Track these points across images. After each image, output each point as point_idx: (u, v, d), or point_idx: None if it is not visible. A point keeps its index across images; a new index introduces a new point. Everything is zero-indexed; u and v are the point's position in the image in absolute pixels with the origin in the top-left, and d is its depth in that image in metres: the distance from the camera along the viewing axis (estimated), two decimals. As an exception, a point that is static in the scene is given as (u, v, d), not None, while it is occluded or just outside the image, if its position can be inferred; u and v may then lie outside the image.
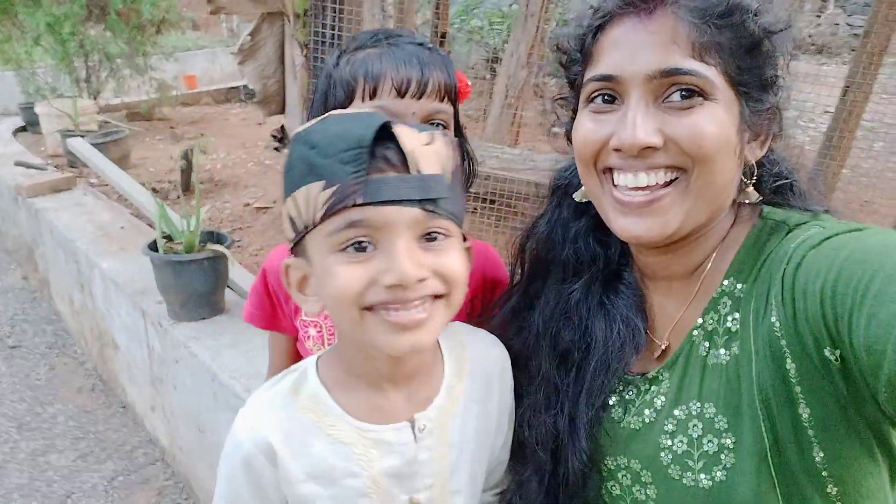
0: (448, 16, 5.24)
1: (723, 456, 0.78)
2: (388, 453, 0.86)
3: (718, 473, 0.78)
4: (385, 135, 0.75)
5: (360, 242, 0.76)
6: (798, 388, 0.71)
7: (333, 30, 3.03)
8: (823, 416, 0.71)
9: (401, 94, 1.03)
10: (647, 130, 0.77)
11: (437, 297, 0.80)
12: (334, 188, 0.74)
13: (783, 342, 0.72)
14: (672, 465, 0.82)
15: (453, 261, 0.81)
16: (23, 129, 7.47)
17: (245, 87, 8.53)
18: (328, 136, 0.76)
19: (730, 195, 0.82)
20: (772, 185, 0.88)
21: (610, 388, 0.91)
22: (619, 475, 0.88)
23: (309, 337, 1.20)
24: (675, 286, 0.89)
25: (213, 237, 2.87)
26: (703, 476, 0.79)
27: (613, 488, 0.89)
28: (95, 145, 5.65)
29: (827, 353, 0.67)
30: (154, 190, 5.12)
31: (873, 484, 0.73)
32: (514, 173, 3.61)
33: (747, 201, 0.85)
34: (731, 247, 0.84)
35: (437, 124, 1.08)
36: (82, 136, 5.83)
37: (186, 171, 5.32)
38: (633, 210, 0.81)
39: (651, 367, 0.89)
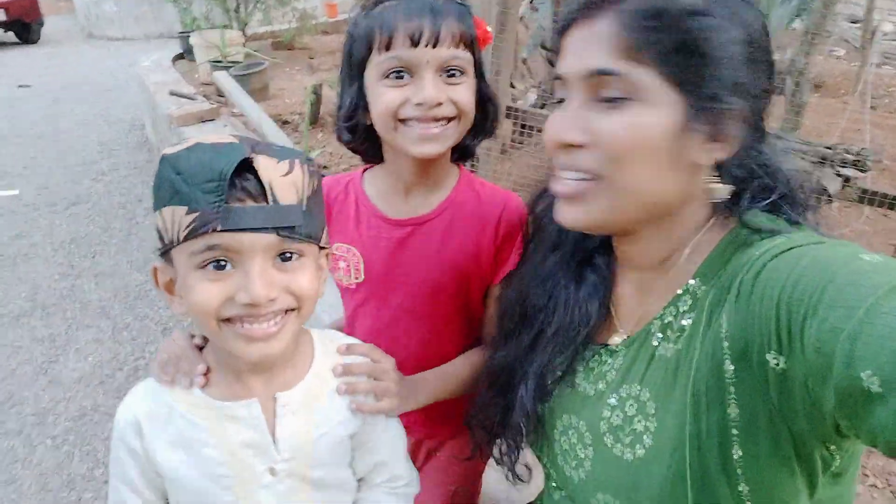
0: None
1: (645, 437, 0.85)
2: (242, 427, 0.96)
3: (639, 451, 0.86)
4: (246, 166, 0.82)
5: (218, 261, 0.84)
6: (732, 389, 0.75)
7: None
8: (749, 418, 0.75)
9: (414, 43, 1.08)
10: (571, 128, 0.83)
11: (288, 310, 0.90)
12: (196, 214, 0.81)
13: (725, 343, 0.76)
14: (607, 434, 0.91)
15: (304, 279, 0.90)
16: (180, 56, 8.19)
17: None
18: (192, 164, 0.82)
19: (665, 194, 0.85)
20: (758, 197, 0.87)
21: (567, 358, 1.00)
22: (570, 432, 0.98)
23: (339, 269, 1.32)
24: (645, 277, 0.95)
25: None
26: (627, 450, 0.87)
27: (564, 442, 0.99)
28: (239, 77, 6.13)
29: (769, 356, 0.70)
30: (285, 122, 5.50)
31: (787, 492, 0.77)
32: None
33: (717, 199, 0.87)
34: (705, 248, 0.87)
35: (454, 72, 1.12)
36: (228, 68, 6.33)
37: (315, 105, 5.65)
38: (562, 199, 0.89)
39: (613, 340, 0.97)
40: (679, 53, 0.78)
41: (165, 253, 0.89)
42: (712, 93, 0.79)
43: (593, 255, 1.03)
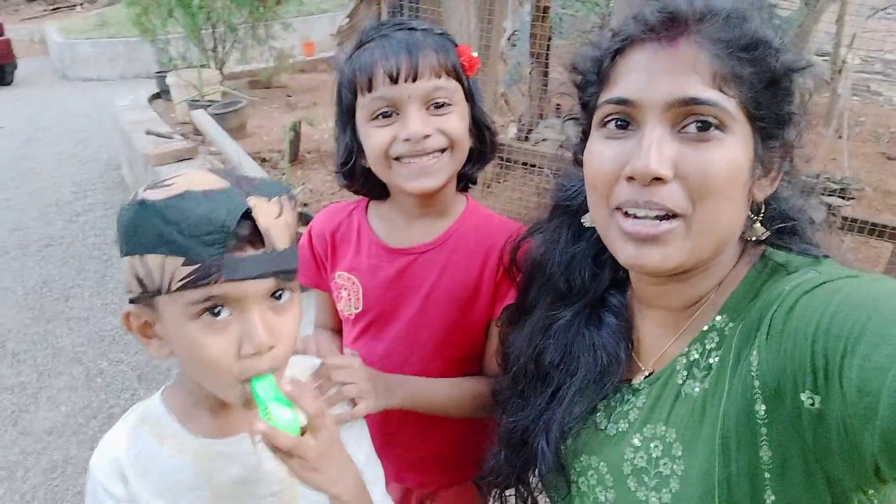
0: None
1: (671, 481, 0.81)
2: (229, 462, 0.94)
3: (665, 496, 0.81)
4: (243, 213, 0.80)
5: (213, 308, 0.81)
6: (764, 430, 0.72)
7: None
8: (782, 461, 0.71)
9: (393, 80, 1.08)
10: (661, 160, 0.76)
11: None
12: (196, 266, 0.78)
13: (756, 383, 0.72)
14: (630, 477, 0.86)
15: (292, 323, 0.89)
16: (157, 95, 8.14)
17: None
18: (188, 215, 0.78)
19: (735, 232, 0.82)
20: (776, 226, 0.86)
21: (591, 405, 0.95)
22: (589, 473, 0.93)
23: (341, 298, 1.29)
24: (671, 317, 0.90)
25: (302, 218, 3.07)
26: (652, 494, 0.83)
27: (583, 484, 0.94)
28: (216, 115, 6.09)
29: (804, 397, 0.67)
30: (263, 160, 5.46)
31: None
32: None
33: (754, 237, 0.84)
34: (731, 284, 0.85)
35: (440, 103, 1.11)
36: (206, 107, 6.30)
37: (294, 142, 5.63)
38: (637, 240, 0.80)
39: (637, 379, 0.93)
40: (762, 88, 0.76)
41: (143, 297, 0.84)
42: (778, 128, 0.79)
43: (605, 295, 0.99)
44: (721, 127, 0.76)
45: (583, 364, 0.96)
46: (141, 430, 0.94)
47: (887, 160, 5.79)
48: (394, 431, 1.27)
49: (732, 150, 0.76)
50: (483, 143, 1.22)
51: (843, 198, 3.00)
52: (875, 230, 3.28)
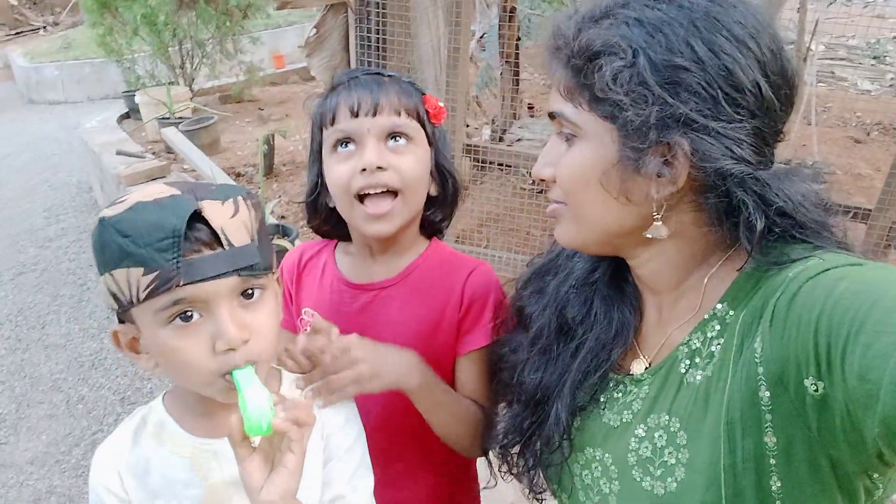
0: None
1: (677, 469, 0.82)
2: (224, 462, 0.95)
3: (671, 485, 0.82)
4: (194, 215, 0.82)
5: (185, 313, 0.83)
6: (769, 416, 0.73)
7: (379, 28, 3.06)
8: (787, 446, 0.72)
9: (354, 114, 1.12)
10: (541, 165, 0.91)
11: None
12: (154, 273, 0.80)
13: (760, 369, 0.73)
14: (636, 467, 0.87)
15: (266, 318, 0.90)
16: (126, 115, 8.03)
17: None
18: (139, 225, 0.81)
19: (618, 226, 0.87)
20: (779, 226, 0.80)
21: (601, 375, 0.97)
22: (593, 466, 0.95)
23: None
24: (664, 301, 0.93)
25: (280, 230, 3.04)
26: (658, 483, 0.84)
27: (586, 476, 0.96)
28: (188, 132, 6.03)
29: (807, 383, 0.68)
30: (238, 174, 5.40)
31: None
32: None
33: (651, 235, 0.85)
34: (729, 272, 0.85)
35: (397, 136, 1.13)
36: (177, 124, 6.22)
37: (268, 156, 5.59)
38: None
39: (638, 370, 0.94)
40: (602, 92, 0.79)
41: (123, 312, 0.88)
42: (641, 128, 0.78)
43: (627, 273, 1.01)
44: (577, 132, 0.85)
45: (597, 326, 0.99)
46: (142, 433, 0.97)
47: (855, 143, 5.88)
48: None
49: (583, 152, 0.84)
50: (445, 190, 1.24)
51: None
52: (849, 213, 3.32)
